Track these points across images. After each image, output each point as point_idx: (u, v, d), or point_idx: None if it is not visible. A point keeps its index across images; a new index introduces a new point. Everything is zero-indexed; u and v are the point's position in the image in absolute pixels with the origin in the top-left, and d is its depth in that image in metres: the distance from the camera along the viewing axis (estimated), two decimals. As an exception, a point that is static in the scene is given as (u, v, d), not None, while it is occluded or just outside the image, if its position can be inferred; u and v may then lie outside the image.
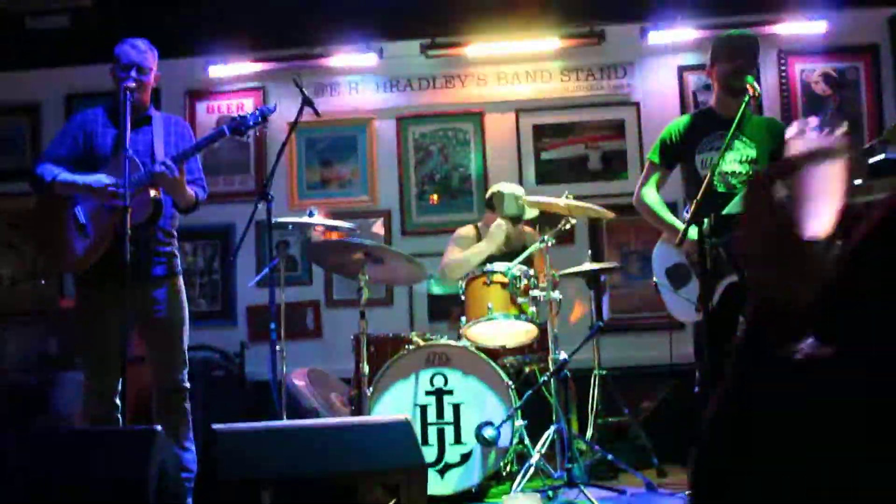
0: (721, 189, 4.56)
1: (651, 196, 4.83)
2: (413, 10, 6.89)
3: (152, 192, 4.42)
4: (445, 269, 5.85)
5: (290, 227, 5.74)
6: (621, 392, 5.70)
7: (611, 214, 5.44)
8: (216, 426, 3.48)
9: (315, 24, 6.90)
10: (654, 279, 4.83)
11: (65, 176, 4.42)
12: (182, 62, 6.94)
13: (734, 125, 4.25)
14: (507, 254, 5.68)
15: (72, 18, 7.05)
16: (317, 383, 6.03)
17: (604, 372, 5.58)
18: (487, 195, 6.09)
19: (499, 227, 5.72)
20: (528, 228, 5.91)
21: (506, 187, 5.95)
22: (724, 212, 4.42)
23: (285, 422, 4.61)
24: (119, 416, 4.39)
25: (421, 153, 7.05)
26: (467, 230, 6.05)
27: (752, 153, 4.61)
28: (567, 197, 5.23)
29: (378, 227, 6.97)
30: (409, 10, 6.89)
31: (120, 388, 4.32)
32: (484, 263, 5.37)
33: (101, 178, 4.37)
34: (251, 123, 4.55)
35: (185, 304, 4.66)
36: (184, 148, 4.52)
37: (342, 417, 5.45)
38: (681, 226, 4.34)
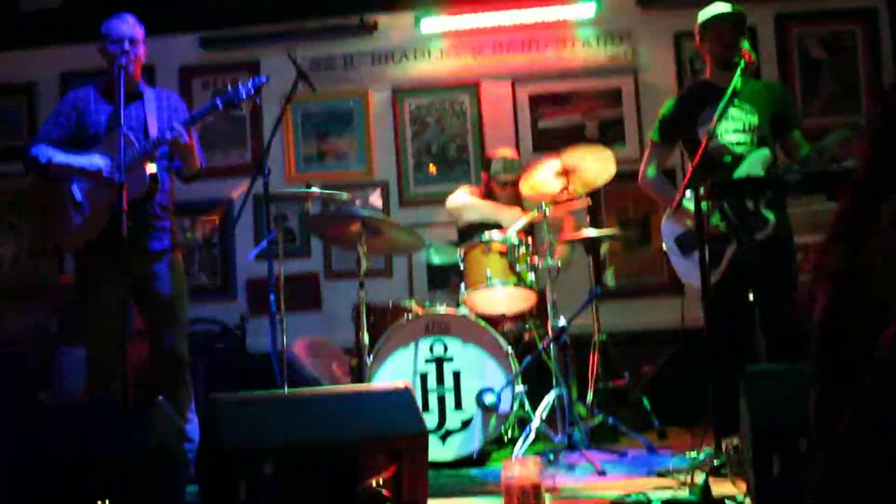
0: (726, 160, 4.57)
1: (655, 175, 4.89)
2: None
3: (148, 168, 4.42)
4: (455, 201, 5.89)
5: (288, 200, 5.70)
6: (622, 356, 5.72)
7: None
8: (216, 395, 3.50)
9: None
10: (664, 246, 4.86)
11: (59, 157, 4.43)
12: (175, 38, 6.93)
13: (727, 94, 4.29)
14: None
15: (63, -2, 7.03)
16: (318, 353, 6.05)
17: (604, 337, 5.59)
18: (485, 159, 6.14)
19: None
20: (525, 196, 5.90)
21: (498, 153, 5.97)
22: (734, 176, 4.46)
23: (284, 391, 4.62)
24: (121, 388, 4.40)
25: (417, 125, 7.03)
26: (471, 189, 6.08)
27: (754, 120, 4.61)
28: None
29: (376, 199, 6.96)
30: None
31: (122, 361, 4.34)
32: (482, 231, 5.35)
33: (96, 160, 4.38)
34: (244, 96, 4.53)
35: (183, 278, 4.67)
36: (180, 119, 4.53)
37: (343, 386, 5.46)
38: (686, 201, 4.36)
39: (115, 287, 4.32)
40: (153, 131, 4.51)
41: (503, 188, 5.81)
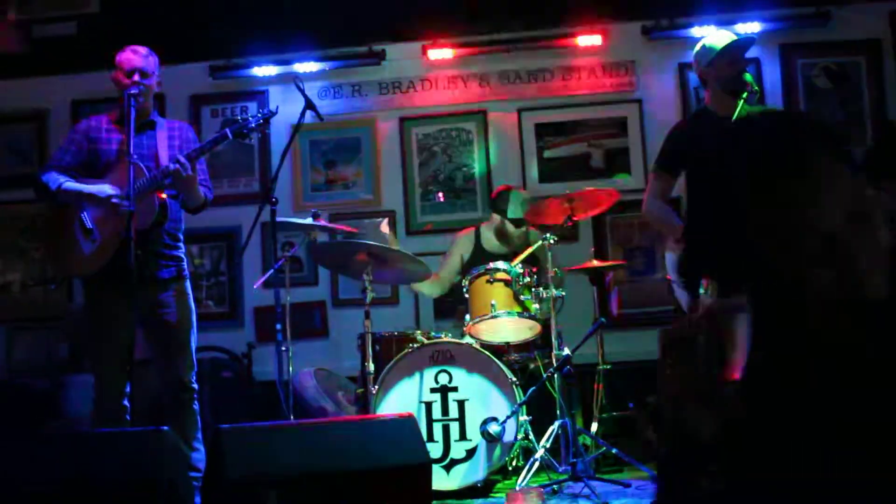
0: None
1: (658, 205, 4.86)
2: (413, 13, 6.93)
3: (158, 197, 4.47)
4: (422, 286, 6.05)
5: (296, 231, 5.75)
6: (627, 387, 5.74)
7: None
8: (222, 426, 3.53)
9: (317, 27, 6.94)
10: (669, 277, 4.87)
11: (69, 184, 4.47)
12: (186, 67, 7.00)
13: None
14: (513, 253, 5.72)
15: (78, 26, 7.11)
16: (323, 382, 6.07)
17: (608, 367, 5.61)
18: (494, 193, 6.13)
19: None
20: (531, 227, 5.94)
21: (512, 189, 5.99)
22: None
23: (290, 421, 4.65)
24: (128, 417, 4.44)
25: (424, 153, 7.09)
26: (466, 234, 6.11)
27: (756, 147, 4.63)
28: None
29: (384, 227, 7.00)
30: (409, 12, 6.92)
31: (129, 389, 4.38)
32: (487, 262, 5.39)
33: (105, 188, 4.42)
34: (253, 125, 4.59)
35: (193, 307, 4.70)
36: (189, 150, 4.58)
37: (348, 415, 5.49)
38: None
39: (123, 315, 4.34)
40: (164, 161, 4.55)
41: (518, 226, 5.85)
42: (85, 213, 4.50)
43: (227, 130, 4.58)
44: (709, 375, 1.15)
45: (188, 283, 4.73)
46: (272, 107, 4.78)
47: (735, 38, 4.78)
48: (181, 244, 4.76)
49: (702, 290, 1.20)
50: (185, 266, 4.77)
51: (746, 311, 1.16)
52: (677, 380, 1.17)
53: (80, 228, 4.51)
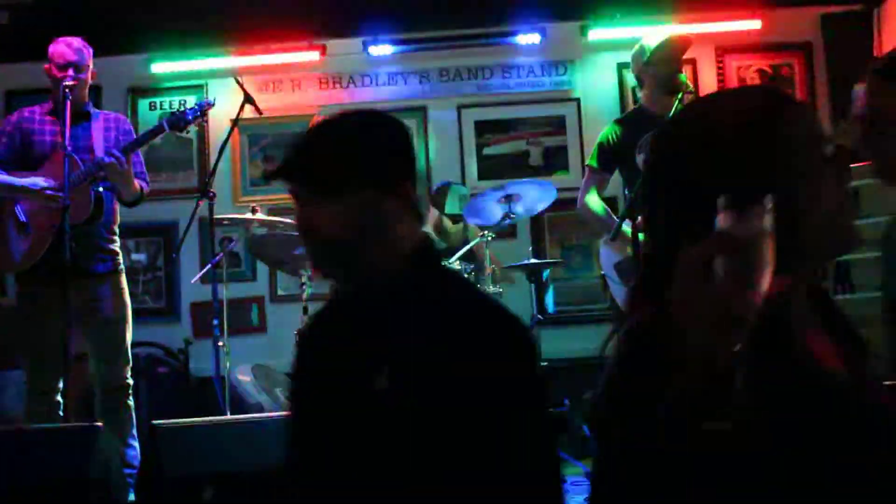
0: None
1: (593, 201, 4.87)
2: (355, 9, 6.91)
3: (93, 190, 4.41)
4: None
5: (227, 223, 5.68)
6: (563, 383, 5.78)
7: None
8: (156, 422, 3.49)
9: (257, 21, 6.88)
10: (603, 273, 4.90)
11: (2, 177, 4.40)
12: (123, 59, 6.89)
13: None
14: (450, 249, 5.73)
15: (11, 15, 6.96)
16: (262, 378, 6.03)
17: (544, 364, 5.64)
18: (434, 189, 6.14)
19: None
20: (470, 224, 5.96)
21: (451, 184, 6.02)
22: None
23: (226, 417, 4.62)
24: (61, 413, 4.38)
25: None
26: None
27: (692, 147, 4.68)
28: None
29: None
30: (350, 8, 6.91)
31: (62, 385, 4.32)
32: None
33: (38, 181, 4.35)
34: (190, 118, 4.56)
35: (128, 301, 4.65)
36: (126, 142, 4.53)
37: (286, 411, 5.46)
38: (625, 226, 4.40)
39: (57, 309, 4.27)
40: (99, 153, 4.49)
41: (455, 222, 5.87)
42: (18, 207, 4.43)
43: (164, 122, 4.54)
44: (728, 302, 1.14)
45: (124, 278, 4.68)
46: (210, 99, 4.75)
47: (671, 38, 4.84)
48: (116, 238, 4.70)
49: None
50: (121, 260, 4.71)
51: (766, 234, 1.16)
52: (696, 304, 1.15)
53: (13, 222, 4.44)
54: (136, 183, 4.53)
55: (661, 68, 4.72)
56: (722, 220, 1.15)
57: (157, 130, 4.56)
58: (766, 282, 1.15)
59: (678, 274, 1.16)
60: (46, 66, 4.53)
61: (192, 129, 5.07)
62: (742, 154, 1.35)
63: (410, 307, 1.85)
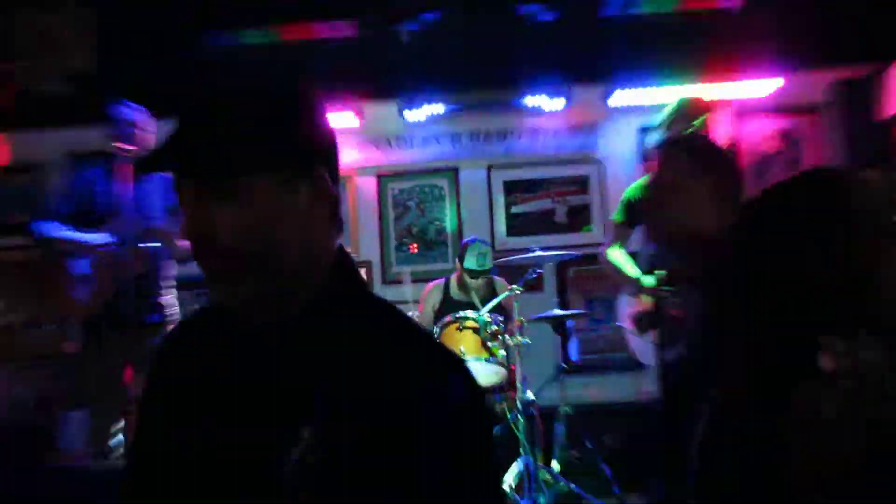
0: (685, 239, 4.74)
1: (616, 255, 4.96)
2: (390, 76, 7.12)
3: (150, 247, 4.63)
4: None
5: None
6: (585, 427, 5.88)
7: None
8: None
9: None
10: (619, 324, 4.97)
11: (67, 234, 4.61)
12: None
13: None
14: (470, 303, 5.90)
15: (74, 83, 7.23)
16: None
17: (568, 409, 5.76)
18: (461, 245, 6.32)
19: None
20: (498, 277, 6.12)
21: (473, 242, 6.16)
22: None
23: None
24: (122, 451, 4.56)
25: (400, 208, 7.26)
26: (435, 289, 6.27)
27: (710, 204, 4.78)
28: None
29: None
30: (386, 76, 7.12)
31: (122, 425, 4.51)
32: (455, 310, 5.56)
33: (99, 238, 4.57)
34: None
35: None
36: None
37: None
38: (644, 279, 4.49)
39: (115, 356, 4.48)
40: (155, 212, 4.72)
41: (473, 278, 6.01)
42: (81, 260, 4.64)
43: None
44: None
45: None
46: None
47: (685, 100, 4.97)
48: (168, 291, 4.90)
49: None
50: (174, 312, 4.89)
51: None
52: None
53: (76, 274, 4.64)
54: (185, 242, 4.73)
55: (679, 127, 4.81)
56: (826, 360, 1.20)
57: None
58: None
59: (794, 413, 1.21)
60: (109, 128, 4.77)
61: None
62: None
63: (341, 339, 1.41)
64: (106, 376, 4.57)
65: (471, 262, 5.97)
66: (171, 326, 4.77)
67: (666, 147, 2.29)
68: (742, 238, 1.47)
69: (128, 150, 4.66)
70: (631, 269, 4.90)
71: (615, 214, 5.11)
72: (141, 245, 4.58)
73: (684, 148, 2.30)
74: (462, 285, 6.11)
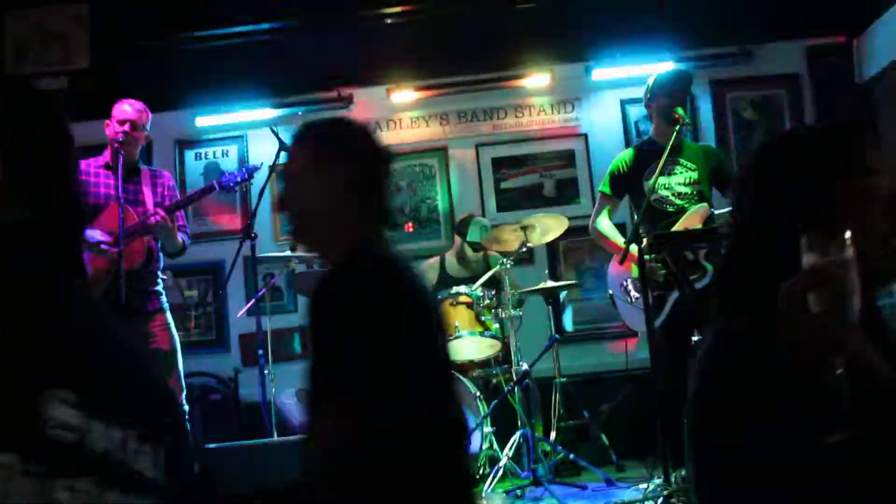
0: (670, 209, 4.66)
1: (604, 224, 4.90)
2: (379, 61, 7.00)
3: (145, 240, 4.52)
4: None
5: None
6: (581, 397, 5.79)
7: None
8: (210, 445, 3.55)
9: (289, 76, 6.98)
10: (609, 291, 4.90)
11: None
12: (171, 115, 6.96)
13: (666, 151, 4.38)
14: (473, 276, 5.77)
15: (70, 79, 7.10)
16: (304, 402, 6.06)
17: (564, 379, 5.66)
18: (458, 221, 6.19)
19: None
20: (491, 252, 6.00)
21: (473, 216, 6.06)
22: (674, 228, 4.52)
23: (272, 439, 4.66)
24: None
25: (391, 188, 7.10)
26: (432, 264, 6.15)
27: (694, 175, 4.70)
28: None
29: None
30: (375, 60, 7.00)
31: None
32: (451, 286, 5.44)
33: (95, 234, 4.45)
34: (239, 180, 4.72)
35: (175, 334, 4.72)
36: (175, 199, 4.65)
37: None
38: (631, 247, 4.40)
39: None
40: (149, 206, 4.60)
41: (476, 251, 5.91)
42: None
43: (215, 183, 4.76)
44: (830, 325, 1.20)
45: (169, 314, 4.75)
46: (254, 161, 4.86)
47: (671, 73, 4.88)
48: (160, 280, 4.79)
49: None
50: (165, 299, 4.79)
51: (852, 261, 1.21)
52: (797, 333, 1.21)
53: None
54: (179, 237, 4.63)
55: (662, 101, 4.76)
56: (807, 259, 1.23)
57: (208, 189, 4.72)
58: (857, 305, 1.21)
59: (780, 308, 1.22)
60: (107, 122, 4.65)
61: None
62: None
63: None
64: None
65: (474, 234, 5.87)
66: (164, 313, 4.70)
67: (296, 133, 2.25)
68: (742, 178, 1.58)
69: (119, 141, 4.52)
70: (618, 238, 4.81)
71: (601, 185, 5.00)
72: (137, 237, 4.47)
73: (309, 134, 2.26)
74: (462, 259, 6.00)
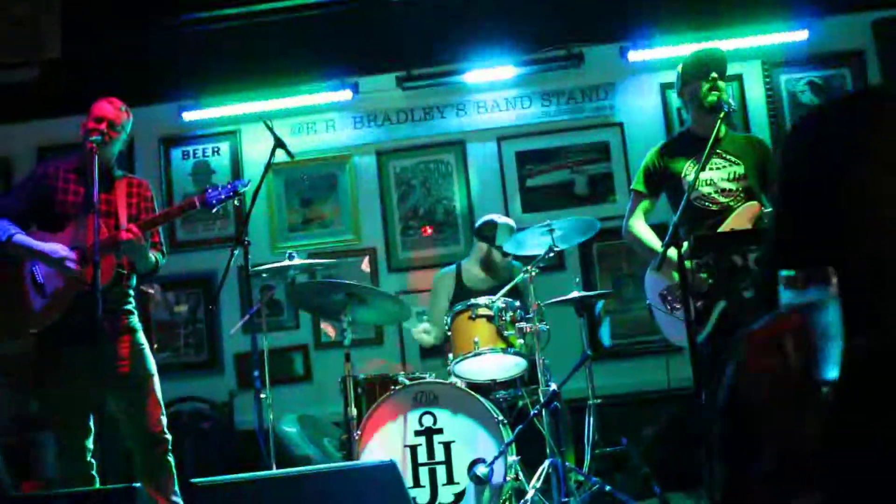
0: (714, 208, 4.58)
1: (638, 225, 4.83)
2: (387, 45, 6.97)
3: (114, 259, 4.48)
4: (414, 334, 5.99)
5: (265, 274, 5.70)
6: (620, 420, 5.72)
7: None
8: (195, 480, 3.51)
9: (286, 64, 6.96)
10: (648, 302, 4.83)
11: (20, 238, 4.45)
12: (153, 109, 6.93)
13: (710, 142, 4.29)
14: (496, 287, 5.71)
15: (41, 71, 7.11)
16: (309, 429, 6.04)
17: (598, 401, 5.58)
18: (478, 225, 6.12)
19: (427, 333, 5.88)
20: (510, 257, 5.93)
21: (499, 218, 5.99)
22: (719, 230, 4.45)
23: (265, 472, 4.61)
24: (94, 474, 4.41)
25: (403, 187, 7.09)
26: (446, 277, 6.09)
27: (740, 169, 4.61)
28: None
29: (366, 265, 7.00)
30: (383, 44, 6.96)
31: (92, 446, 4.36)
32: (469, 298, 5.38)
33: (58, 249, 4.41)
34: (223, 198, 4.66)
35: (150, 356, 4.67)
36: (151, 213, 4.62)
37: (334, 462, 5.45)
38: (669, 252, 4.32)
39: (80, 371, 4.33)
40: (122, 219, 4.58)
41: (505, 255, 5.84)
42: (37, 267, 4.50)
43: (196, 201, 4.69)
44: (803, 377, 1.15)
45: (141, 334, 4.71)
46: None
47: (698, 53, 4.80)
48: (132, 299, 4.75)
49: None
50: (136, 318, 4.74)
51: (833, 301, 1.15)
52: (766, 384, 1.17)
53: (31, 281, 4.51)
54: (152, 255, 4.60)
55: (693, 86, 4.69)
56: (784, 297, 1.17)
57: (188, 207, 4.70)
58: (838, 350, 1.15)
59: (746, 354, 1.18)
60: (84, 121, 4.62)
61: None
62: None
63: None
64: (72, 395, 4.42)
65: (503, 237, 5.78)
66: (136, 333, 4.66)
67: None
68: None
69: (93, 142, 4.48)
70: (655, 241, 4.74)
71: (634, 183, 4.94)
72: (108, 254, 4.44)
73: None
74: (488, 265, 5.93)
